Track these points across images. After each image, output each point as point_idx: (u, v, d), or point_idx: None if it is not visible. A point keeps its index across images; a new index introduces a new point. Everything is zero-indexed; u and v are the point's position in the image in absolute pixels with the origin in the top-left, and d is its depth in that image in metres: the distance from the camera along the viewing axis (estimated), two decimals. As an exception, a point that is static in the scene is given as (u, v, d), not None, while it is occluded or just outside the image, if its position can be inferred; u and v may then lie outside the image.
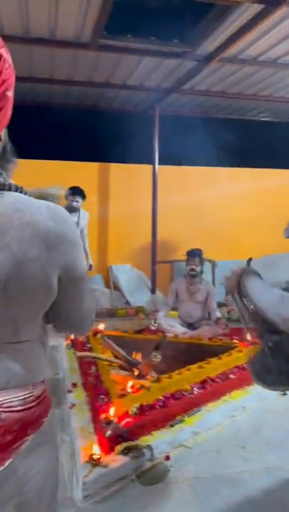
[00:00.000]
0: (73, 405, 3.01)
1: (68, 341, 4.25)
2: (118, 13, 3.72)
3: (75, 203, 5.12)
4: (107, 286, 6.60)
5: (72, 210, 5.02)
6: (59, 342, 4.43)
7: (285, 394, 3.28)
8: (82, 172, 6.59)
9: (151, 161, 6.33)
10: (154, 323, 4.67)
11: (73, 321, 1.03)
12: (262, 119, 7.42)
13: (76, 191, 5.17)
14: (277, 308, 1.26)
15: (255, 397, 3.29)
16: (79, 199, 5.15)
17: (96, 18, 3.70)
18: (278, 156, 7.32)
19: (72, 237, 0.92)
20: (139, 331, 4.76)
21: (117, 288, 6.56)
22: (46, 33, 4.05)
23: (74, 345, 4.13)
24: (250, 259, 1.63)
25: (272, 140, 7.38)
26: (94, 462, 2.29)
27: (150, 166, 6.35)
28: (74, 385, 3.31)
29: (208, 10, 3.67)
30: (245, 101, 6.33)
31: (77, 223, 5.10)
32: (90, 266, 5.57)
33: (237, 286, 1.46)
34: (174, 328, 4.71)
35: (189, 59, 4.54)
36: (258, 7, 3.46)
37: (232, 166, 7.14)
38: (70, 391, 3.25)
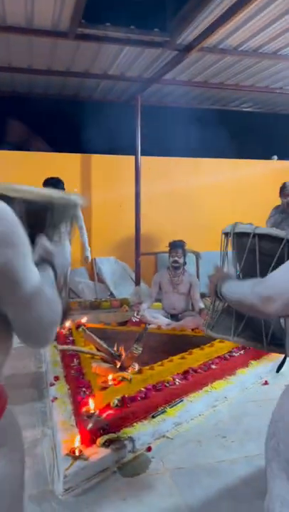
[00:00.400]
0: (55, 398, 3.00)
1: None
2: (97, 1, 3.66)
3: None
4: (91, 278, 6.57)
5: None
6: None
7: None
8: (64, 163, 6.51)
9: (133, 152, 6.28)
10: (136, 315, 4.67)
11: (22, 331, 0.94)
12: (244, 109, 7.41)
13: (52, 182, 4.73)
14: (254, 292, 1.30)
15: (237, 386, 3.32)
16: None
17: (73, 5, 3.63)
18: (261, 146, 7.33)
19: (6, 236, 0.85)
20: (123, 323, 4.76)
21: (101, 280, 6.54)
22: (23, 22, 3.96)
23: (56, 338, 4.11)
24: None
25: (255, 130, 7.39)
26: (75, 455, 2.29)
27: (133, 157, 6.30)
28: (56, 378, 3.30)
29: (187, -2, 3.62)
30: (227, 91, 6.30)
31: None
32: (86, 258, 5.50)
33: (215, 293, 1.56)
34: (157, 319, 4.72)
35: (170, 48, 4.49)
36: (237, -5, 3.43)
37: (215, 156, 7.12)
38: (52, 384, 3.24)
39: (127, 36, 4.19)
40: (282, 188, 4.77)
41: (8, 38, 4.33)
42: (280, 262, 1.45)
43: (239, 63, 5.17)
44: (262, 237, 1.64)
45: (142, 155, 6.27)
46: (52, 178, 4.89)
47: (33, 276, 0.91)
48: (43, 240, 1.16)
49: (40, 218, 1.18)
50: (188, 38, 4.28)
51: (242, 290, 1.39)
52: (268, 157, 7.57)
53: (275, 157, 7.63)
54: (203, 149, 6.80)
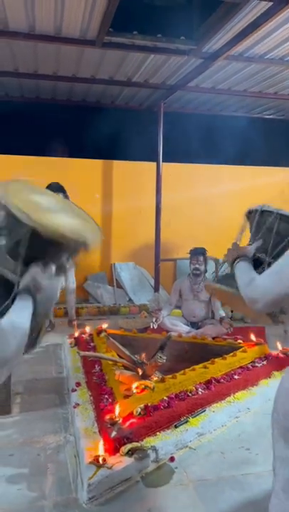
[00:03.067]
0: (77, 405, 3.01)
1: (72, 339, 4.25)
2: (124, 10, 3.69)
3: None
4: (111, 283, 6.59)
5: None
6: (63, 340, 4.43)
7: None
8: (87, 169, 6.57)
9: (155, 159, 6.29)
10: (155, 321, 4.65)
11: None
12: (266, 116, 7.36)
13: (54, 188, 4.57)
14: (245, 290, 1.56)
15: (260, 397, 3.28)
16: (61, 196, 4.94)
17: (102, 15, 3.66)
18: (282, 154, 7.28)
19: None
20: (142, 330, 4.75)
21: (120, 286, 6.55)
22: (52, 30, 4.01)
23: (77, 343, 4.13)
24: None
25: (277, 138, 7.33)
26: (99, 463, 2.29)
27: (154, 164, 6.31)
28: (78, 384, 3.31)
29: (215, 7, 3.62)
30: (251, 98, 6.28)
31: None
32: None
33: (231, 263, 1.81)
34: (177, 327, 4.70)
35: (195, 56, 4.50)
36: (265, 5, 3.42)
37: (237, 164, 7.09)
38: (74, 390, 3.25)
39: (154, 44, 4.21)
40: None
41: (36, 45, 4.39)
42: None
43: (263, 71, 5.15)
44: (282, 218, 1.86)
45: (163, 161, 6.28)
46: (52, 184, 4.74)
47: None
48: (36, 270, 1.11)
49: (43, 245, 1.11)
50: (214, 46, 4.29)
51: (243, 280, 1.61)
52: (288, 165, 7.50)
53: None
54: (225, 156, 6.78)
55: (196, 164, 6.95)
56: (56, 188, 4.70)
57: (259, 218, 1.94)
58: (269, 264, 1.80)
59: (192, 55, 4.44)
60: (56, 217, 1.14)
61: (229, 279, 1.89)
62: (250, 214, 2.03)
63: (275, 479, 1.50)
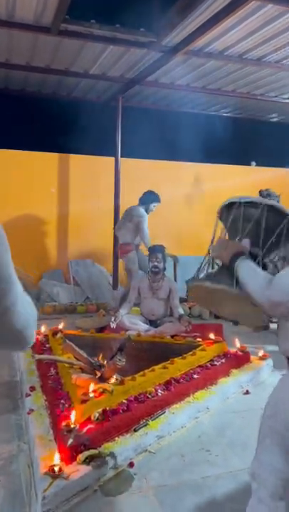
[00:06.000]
0: (32, 410, 2.86)
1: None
2: (82, -3, 3.55)
3: None
4: (67, 281, 6.41)
5: None
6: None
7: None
8: (42, 162, 6.33)
9: (113, 153, 6.16)
10: (114, 320, 4.55)
11: (6, 334, 0.91)
12: (224, 114, 7.42)
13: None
14: (264, 293, 1.39)
15: (219, 396, 3.27)
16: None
17: (58, 0, 3.49)
18: (241, 152, 7.36)
19: None
20: (100, 329, 4.63)
21: (77, 283, 6.39)
22: (3, 14, 3.79)
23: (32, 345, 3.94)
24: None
25: (234, 136, 7.40)
26: (54, 474, 2.16)
27: (112, 159, 6.19)
28: (32, 388, 3.15)
29: (176, -1, 3.55)
30: (210, 95, 6.28)
31: None
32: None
33: (229, 262, 1.59)
34: (136, 325, 4.62)
35: (155, 49, 4.42)
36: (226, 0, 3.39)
37: (195, 161, 7.09)
38: (28, 395, 3.09)
39: (113, 35, 4.09)
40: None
41: (-13, 30, 4.15)
42: (279, 237, 1.62)
43: (223, 68, 5.15)
44: (270, 209, 1.67)
45: (121, 156, 6.17)
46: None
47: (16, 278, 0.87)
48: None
49: None
50: (174, 40, 4.21)
51: (255, 283, 1.45)
52: (246, 163, 7.60)
53: (254, 163, 7.67)
54: (183, 153, 6.76)
55: (155, 160, 6.89)
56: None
57: (237, 211, 1.75)
58: (263, 260, 1.67)
59: (152, 48, 4.35)
60: None
61: (219, 276, 1.70)
62: (226, 208, 1.83)
63: (260, 486, 1.46)
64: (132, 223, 5.40)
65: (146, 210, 5.40)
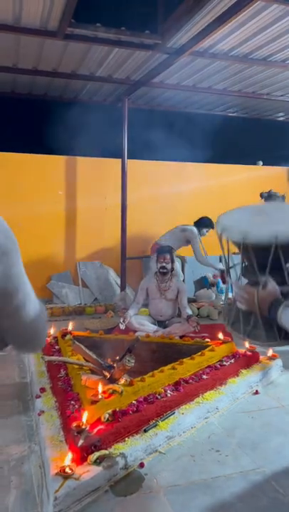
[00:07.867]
0: (42, 412, 2.88)
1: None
2: (87, 1, 3.57)
3: None
4: (76, 283, 6.44)
5: None
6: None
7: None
8: (49, 165, 6.38)
9: (120, 155, 6.19)
10: (122, 321, 4.57)
11: (16, 337, 0.95)
12: (230, 114, 7.41)
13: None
14: None
15: (228, 397, 3.26)
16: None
17: (64, 4, 3.52)
18: (247, 151, 7.34)
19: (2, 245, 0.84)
20: (109, 330, 4.65)
21: (85, 285, 6.42)
22: (10, 19, 3.83)
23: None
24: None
25: (241, 136, 7.39)
26: (65, 474, 2.18)
27: (119, 160, 6.21)
28: (42, 389, 3.18)
29: (180, 1, 3.56)
30: (215, 96, 6.28)
31: None
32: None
33: (269, 311, 1.45)
34: (144, 326, 4.64)
35: (160, 51, 4.43)
36: (231, 0, 3.39)
37: (202, 161, 7.10)
38: (38, 396, 3.11)
39: (118, 37, 4.11)
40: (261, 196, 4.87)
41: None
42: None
43: (228, 68, 5.15)
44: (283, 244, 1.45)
45: (128, 158, 6.19)
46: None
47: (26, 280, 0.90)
48: None
49: None
50: (179, 41, 4.23)
51: None
52: (253, 162, 7.59)
53: (261, 162, 7.65)
54: (189, 153, 6.76)
55: (162, 161, 6.90)
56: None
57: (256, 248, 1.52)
58: None
59: (157, 49, 4.36)
60: None
61: (255, 331, 1.55)
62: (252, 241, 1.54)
63: None
64: (183, 236, 5.72)
65: (199, 233, 5.71)
